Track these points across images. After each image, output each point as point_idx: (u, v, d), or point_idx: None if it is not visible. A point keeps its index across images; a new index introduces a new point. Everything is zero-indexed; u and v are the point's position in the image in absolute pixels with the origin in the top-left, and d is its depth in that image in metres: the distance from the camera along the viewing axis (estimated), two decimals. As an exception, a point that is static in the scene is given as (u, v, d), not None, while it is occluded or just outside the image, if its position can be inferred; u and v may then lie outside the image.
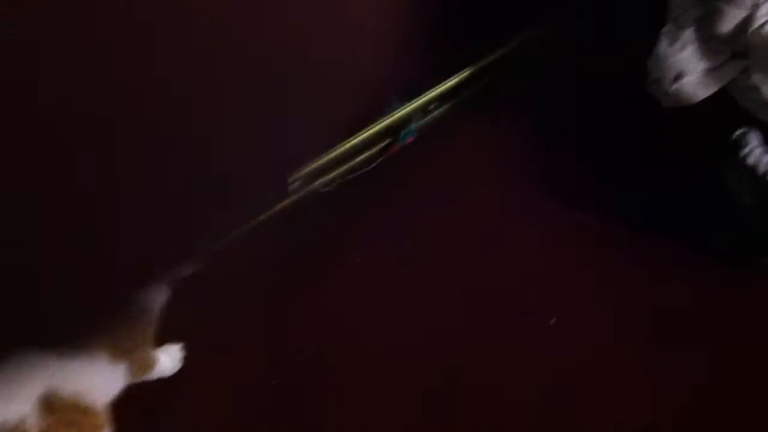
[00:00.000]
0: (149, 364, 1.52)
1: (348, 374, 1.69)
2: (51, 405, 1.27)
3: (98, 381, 1.36)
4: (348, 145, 1.92)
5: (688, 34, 1.65)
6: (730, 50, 1.61)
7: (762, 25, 1.54)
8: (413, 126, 1.94)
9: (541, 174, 1.97)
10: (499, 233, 1.88)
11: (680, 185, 1.87)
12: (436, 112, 2.03)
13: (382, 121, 1.95)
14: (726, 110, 1.66)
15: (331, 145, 1.91)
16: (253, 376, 1.68)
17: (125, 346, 1.41)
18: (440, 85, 2.01)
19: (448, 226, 1.89)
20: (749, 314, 1.76)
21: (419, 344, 1.72)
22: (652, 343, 1.73)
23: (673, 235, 1.83)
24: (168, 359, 1.61)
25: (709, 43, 1.63)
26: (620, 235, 1.85)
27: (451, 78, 2.02)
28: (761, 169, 1.63)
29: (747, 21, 1.56)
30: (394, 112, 1.96)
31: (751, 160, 1.61)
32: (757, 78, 1.58)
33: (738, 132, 1.64)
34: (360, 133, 1.93)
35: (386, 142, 1.97)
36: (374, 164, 1.95)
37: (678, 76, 1.64)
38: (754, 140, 1.62)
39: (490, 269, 1.83)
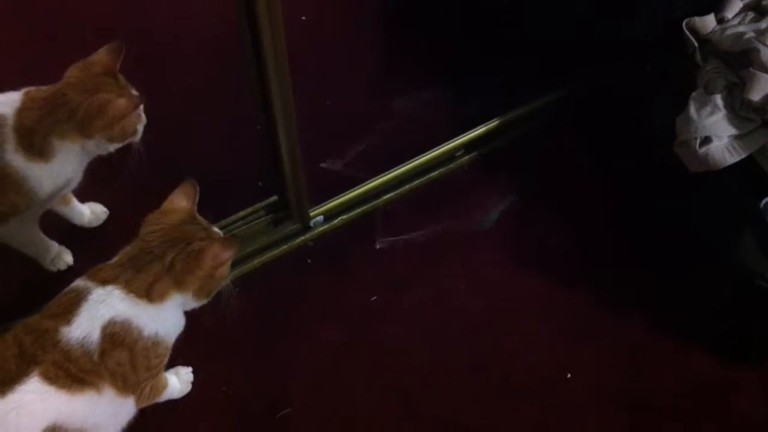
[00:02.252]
0: (160, 388, 1.50)
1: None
2: None
3: (104, 417, 1.33)
4: (371, 185, 1.94)
5: (718, 99, 1.65)
6: (761, 118, 1.61)
7: (794, 96, 1.55)
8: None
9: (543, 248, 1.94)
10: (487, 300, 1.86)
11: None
12: (461, 159, 2.04)
13: (406, 165, 1.97)
14: (751, 178, 1.65)
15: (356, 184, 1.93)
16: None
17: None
18: (467, 133, 2.03)
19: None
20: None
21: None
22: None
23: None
24: (178, 382, 1.59)
25: (739, 110, 1.64)
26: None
27: (478, 128, 2.04)
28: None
29: (779, 90, 1.56)
30: (419, 157, 1.99)
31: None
32: (787, 147, 1.58)
33: (766, 200, 1.62)
34: (384, 174, 1.95)
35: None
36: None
37: (706, 141, 1.64)
38: (784, 209, 1.60)
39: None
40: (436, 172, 2.02)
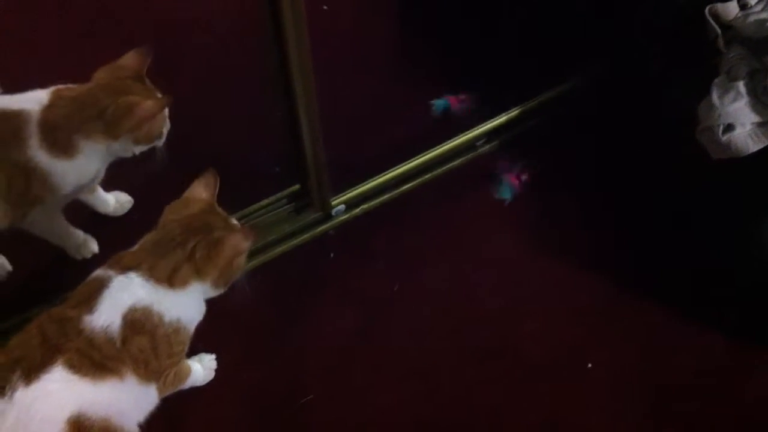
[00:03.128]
0: (183, 375, 1.52)
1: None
2: (80, 428, 1.22)
3: (128, 404, 1.33)
4: (392, 175, 1.95)
5: (741, 86, 1.64)
6: (784, 105, 1.61)
7: (818, 82, 1.54)
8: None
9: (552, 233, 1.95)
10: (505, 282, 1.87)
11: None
12: (482, 149, 2.04)
13: (428, 154, 1.98)
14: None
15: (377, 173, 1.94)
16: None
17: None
18: (488, 122, 2.03)
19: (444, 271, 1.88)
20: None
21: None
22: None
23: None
24: (202, 368, 1.61)
25: (762, 96, 1.62)
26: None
27: (499, 116, 2.04)
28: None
29: (803, 76, 1.55)
30: (440, 146, 1.99)
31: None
32: (810, 135, 1.56)
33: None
34: (405, 163, 1.96)
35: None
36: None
37: (728, 128, 1.64)
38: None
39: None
40: (457, 161, 2.02)
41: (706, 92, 1.68)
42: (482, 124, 2.03)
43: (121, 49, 1.56)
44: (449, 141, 2.00)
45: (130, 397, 1.33)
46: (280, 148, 1.85)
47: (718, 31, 1.73)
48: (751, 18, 1.69)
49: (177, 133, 1.64)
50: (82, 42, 2.20)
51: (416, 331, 1.78)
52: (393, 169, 1.95)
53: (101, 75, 1.55)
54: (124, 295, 1.32)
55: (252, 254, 1.80)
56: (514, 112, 2.05)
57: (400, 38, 2.30)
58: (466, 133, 2.01)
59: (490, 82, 2.16)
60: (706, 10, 1.75)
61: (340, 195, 1.90)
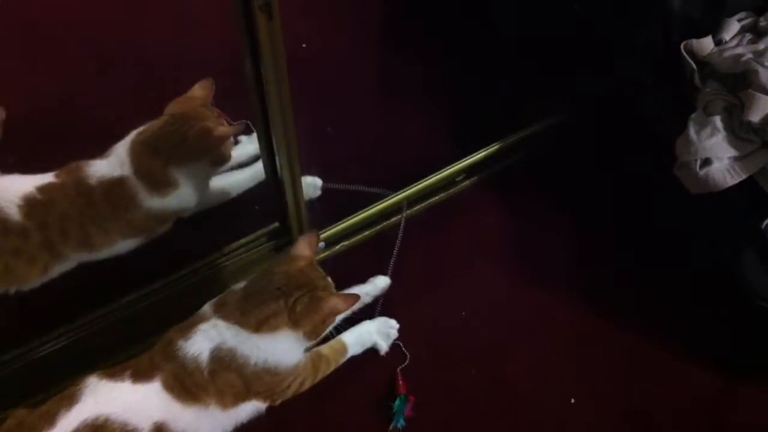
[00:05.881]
0: (339, 354, 1.69)
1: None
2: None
3: (205, 427, 1.47)
4: (372, 211, 1.95)
5: (718, 121, 1.66)
6: (761, 139, 1.62)
7: (794, 116, 1.55)
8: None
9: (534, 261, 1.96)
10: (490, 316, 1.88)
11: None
12: (463, 184, 2.04)
13: (407, 190, 1.98)
14: (752, 198, 1.65)
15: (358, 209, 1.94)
16: None
17: None
18: (467, 158, 2.04)
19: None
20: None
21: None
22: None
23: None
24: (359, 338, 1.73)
25: (739, 131, 1.64)
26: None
27: (479, 152, 2.05)
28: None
29: (778, 111, 1.57)
30: (420, 182, 1.99)
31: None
32: (787, 168, 1.58)
33: (767, 221, 1.63)
34: (386, 199, 1.96)
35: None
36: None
37: (706, 162, 1.65)
38: (783, 230, 1.61)
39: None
40: (437, 197, 2.02)
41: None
42: (461, 160, 2.03)
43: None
44: (429, 177, 2.00)
45: (208, 423, 1.47)
46: (260, 185, 1.85)
47: (694, 66, 1.75)
48: (727, 53, 1.71)
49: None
50: (60, 77, 2.19)
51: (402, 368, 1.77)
52: (373, 205, 1.95)
53: (174, 107, 1.66)
54: (212, 332, 1.45)
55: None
56: (493, 148, 2.06)
57: (379, 75, 2.30)
58: (445, 169, 2.01)
59: (471, 118, 2.17)
60: (682, 46, 1.77)
61: (320, 232, 1.88)
